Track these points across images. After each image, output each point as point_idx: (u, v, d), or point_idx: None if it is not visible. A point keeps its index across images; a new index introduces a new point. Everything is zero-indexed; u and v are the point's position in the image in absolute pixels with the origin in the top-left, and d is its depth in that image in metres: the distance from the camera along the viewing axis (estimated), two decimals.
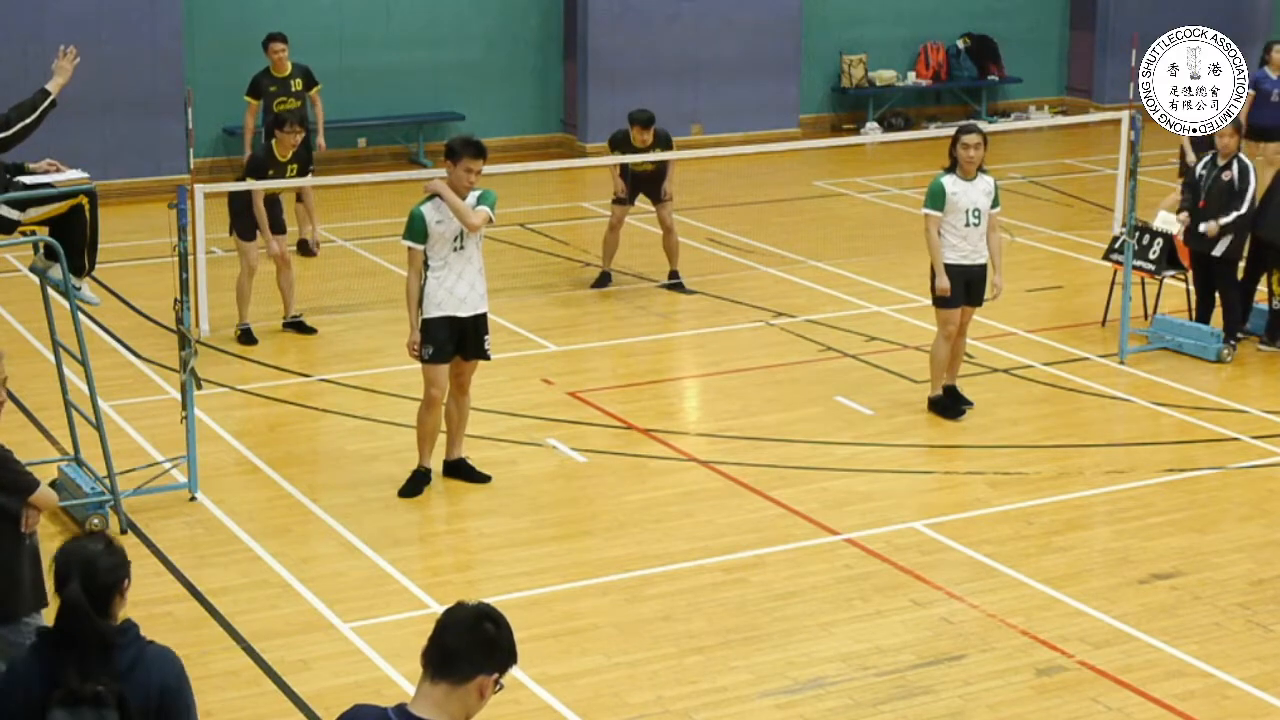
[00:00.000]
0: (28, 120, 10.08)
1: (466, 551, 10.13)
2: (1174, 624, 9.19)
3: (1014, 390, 13.01)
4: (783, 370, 13.29)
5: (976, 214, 12.16)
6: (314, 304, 15.04)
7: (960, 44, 24.00)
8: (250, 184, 13.96)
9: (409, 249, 10.52)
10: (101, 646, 5.16)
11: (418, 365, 13.69)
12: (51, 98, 10.14)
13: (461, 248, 10.44)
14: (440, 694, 4.63)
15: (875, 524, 10.50)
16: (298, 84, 16.81)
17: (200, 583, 9.65)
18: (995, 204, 12.32)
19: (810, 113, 23.09)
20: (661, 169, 15.62)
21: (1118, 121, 14.27)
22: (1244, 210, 13.46)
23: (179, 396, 11.08)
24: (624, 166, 15.51)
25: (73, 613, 5.13)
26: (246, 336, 14.01)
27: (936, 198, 12.14)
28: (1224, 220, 13.37)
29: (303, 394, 12.82)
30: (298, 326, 14.29)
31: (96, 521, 10.21)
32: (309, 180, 14.68)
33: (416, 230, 10.45)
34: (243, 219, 14.21)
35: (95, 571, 5.19)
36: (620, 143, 15.60)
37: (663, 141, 15.62)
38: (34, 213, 10.30)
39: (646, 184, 15.74)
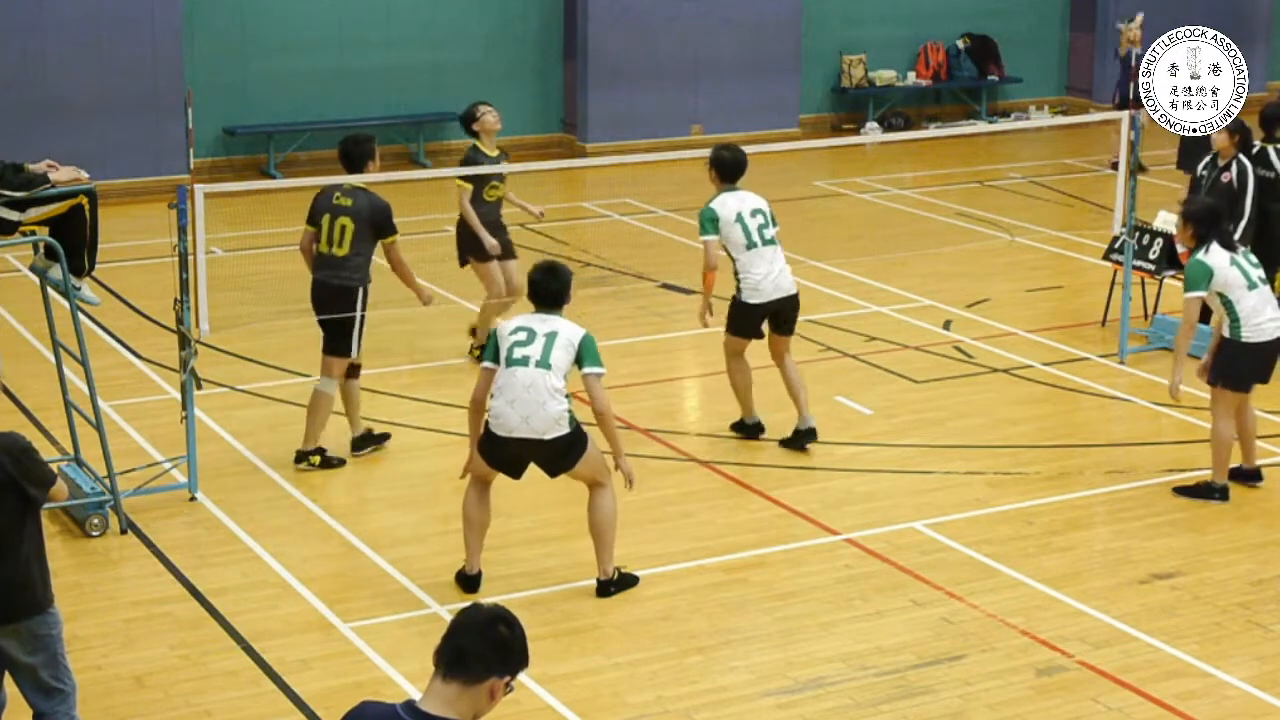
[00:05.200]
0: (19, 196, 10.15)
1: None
2: (1174, 624, 9.19)
3: (1014, 390, 13.00)
4: None
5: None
6: None
7: (960, 44, 24.02)
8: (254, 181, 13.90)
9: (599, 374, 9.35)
10: None
11: (416, 365, 13.74)
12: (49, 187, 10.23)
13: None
14: (451, 692, 4.65)
15: (875, 524, 10.50)
16: None
17: (200, 583, 9.65)
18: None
19: (810, 113, 23.10)
20: None
21: (1118, 121, 14.27)
22: (1246, 215, 13.45)
23: (179, 396, 11.08)
24: None
25: None
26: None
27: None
28: (1237, 236, 13.36)
29: (303, 394, 12.77)
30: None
31: (96, 522, 10.21)
32: None
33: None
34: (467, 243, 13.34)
35: None
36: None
37: None
38: (34, 213, 10.31)
39: None
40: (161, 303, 13.28)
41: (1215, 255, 10.75)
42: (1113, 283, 14.25)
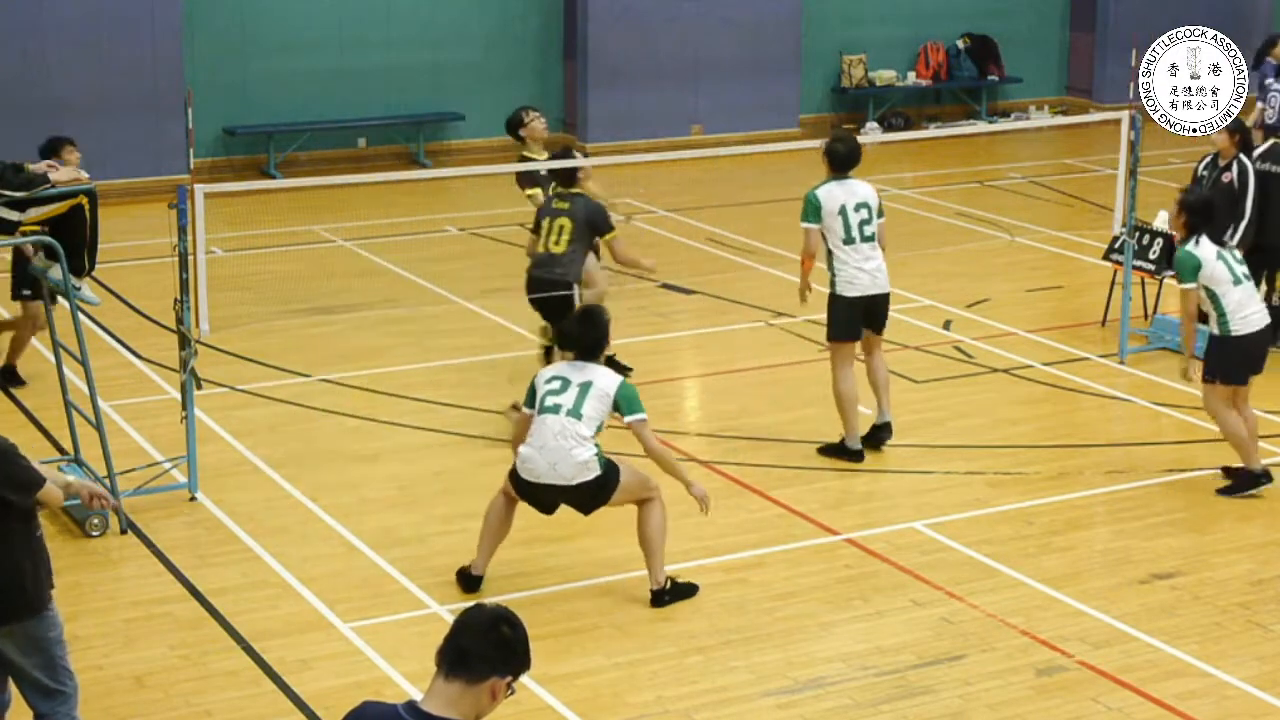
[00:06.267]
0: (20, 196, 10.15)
1: (466, 551, 10.10)
2: (1174, 624, 9.19)
3: (1014, 390, 13.01)
4: (782, 370, 13.29)
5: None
6: (314, 304, 15.05)
7: (960, 44, 24.02)
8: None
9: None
10: None
11: (415, 365, 13.75)
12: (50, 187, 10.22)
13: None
14: (454, 692, 4.66)
15: (875, 524, 10.50)
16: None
17: (200, 583, 9.65)
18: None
19: (810, 113, 23.10)
20: None
21: (1118, 121, 14.29)
22: (1248, 215, 13.45)
23: (179, 396, 11.09)
24: None
25: None
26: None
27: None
28: (1237, 237, 13.37)
29: (303, 394, 12.82)
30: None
31: (96, 522, 10.21)
32: None
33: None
34: None
35: None
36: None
37: None
38: (34, 213, 10.31)
39: None
40: (161, 303, 13.29)
41: (1205, 248, 10.84)
42: (1113, 283, 14.25)
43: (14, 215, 10.21)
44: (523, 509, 9.88)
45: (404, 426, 12.09)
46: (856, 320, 11.46)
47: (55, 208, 10.32)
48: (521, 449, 9.23)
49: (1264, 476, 10.88)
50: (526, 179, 13.30)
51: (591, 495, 9.22)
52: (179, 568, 9.85)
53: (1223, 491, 10.94)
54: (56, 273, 10.27)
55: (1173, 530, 10.45)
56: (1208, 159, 13.86)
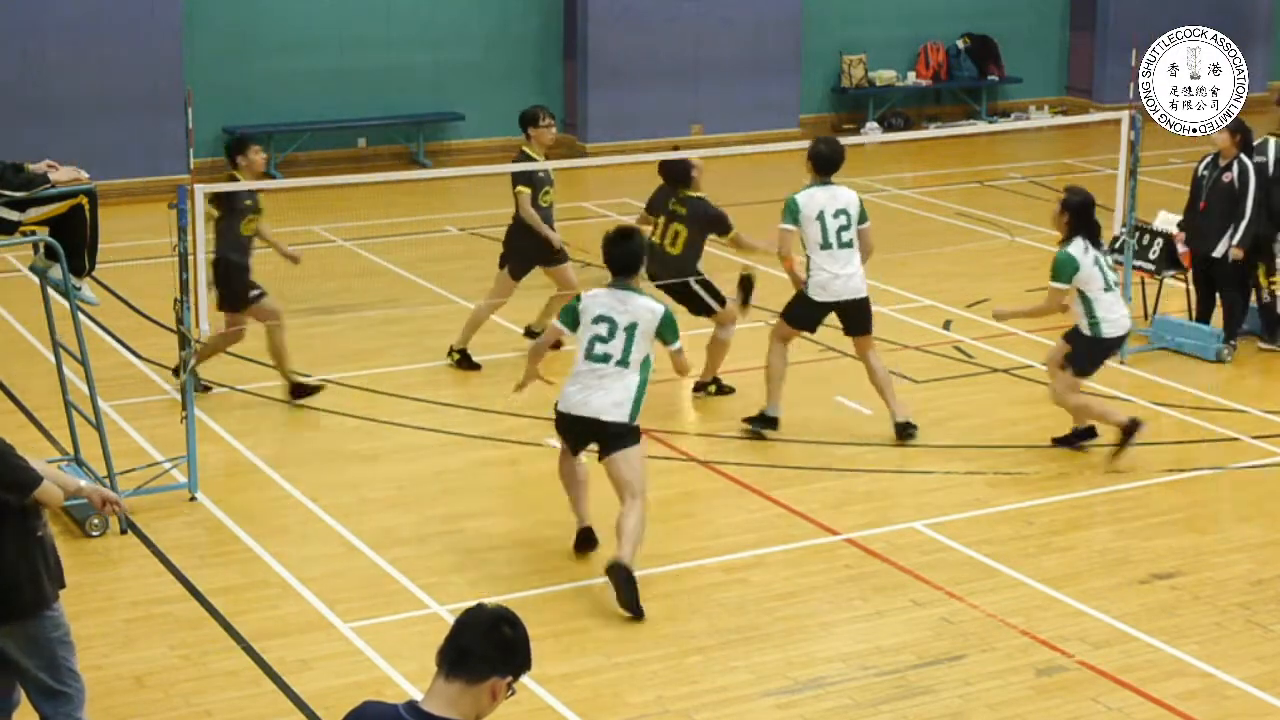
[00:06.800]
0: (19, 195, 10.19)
1: (466, 551, 10.12)
2: (1174, 624, 9.19)
3: (1014, 390, 13.01)
4: None
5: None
6: (314, 304, 15.04)
7: (960, 44, 24.01)
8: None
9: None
10: None
11: (415, 365, 13.73)
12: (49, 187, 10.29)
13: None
14: (454, 692, 4.66)
15: (875, 524, 10.50)
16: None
17: (200, 583, 9.65)
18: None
19: (810, 113, 23.10)
20: None
21: (1118, 121, 14.28)
22: (1248, 215, 13.44)
23: (179, 396, 11.09)
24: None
25: None
26: (466, 361, 13.42)
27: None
28: (1238, 237, 13.38)
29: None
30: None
31: (96, 522, 10.21)
32: None
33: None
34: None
35: None
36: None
37: None
38: (34, 213, 10.31)
39: None
40: (161, 303, 13.26)
41: (1083, 251, 11.23)
42: None
43: (14, 215, 10.21)
44: (510, 509, 9.89)
45: (404, 426, 12.09)
46: (814, 319, 11.86)
47: (55, 208, 10.31)
48: (565, 386, 9.51)
49: (1133, 425, 11.25)
50: (522, 175, 13.31)
51: (617, 435, 9.38)
52: (179, 568, 9.85)
53: (1117, 450, 11.30)
54: (56, 273, 10.27)
55: (1173, 530, 10.45)
56: (1208, 159, 13.85)
